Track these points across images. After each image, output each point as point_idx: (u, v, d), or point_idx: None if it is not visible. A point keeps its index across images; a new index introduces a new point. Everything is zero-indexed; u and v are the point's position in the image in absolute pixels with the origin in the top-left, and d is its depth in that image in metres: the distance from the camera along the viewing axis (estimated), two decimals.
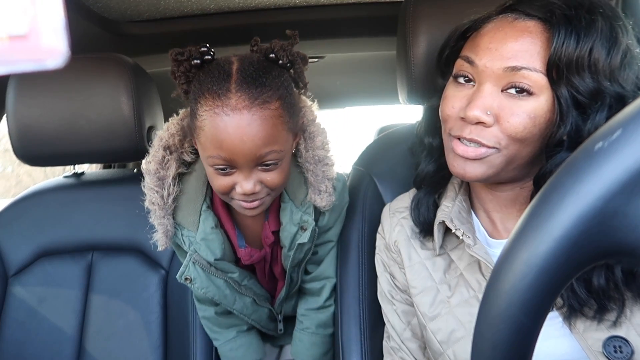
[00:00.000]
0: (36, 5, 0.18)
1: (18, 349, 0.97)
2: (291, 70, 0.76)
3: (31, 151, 0.96)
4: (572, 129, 0.54)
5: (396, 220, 0.76)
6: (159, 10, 1.17)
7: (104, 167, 1.71)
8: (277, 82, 0.70)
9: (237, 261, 0.88)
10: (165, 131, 0.80)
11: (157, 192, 0.78)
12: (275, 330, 1.03)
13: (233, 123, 0.67)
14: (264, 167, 0.71)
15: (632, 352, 0.54)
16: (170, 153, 0.79)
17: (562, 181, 0.25)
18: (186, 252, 0.82)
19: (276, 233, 0.85)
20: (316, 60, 1.57)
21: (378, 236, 0.80)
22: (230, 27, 1.25)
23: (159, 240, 0.79)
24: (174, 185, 0.79)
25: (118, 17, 1.20)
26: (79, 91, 0.94)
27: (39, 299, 0.99)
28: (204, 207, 0.80)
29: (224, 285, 0.85)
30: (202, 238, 0.80)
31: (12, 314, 0.98)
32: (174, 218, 0.81)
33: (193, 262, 0.81)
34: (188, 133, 0.76)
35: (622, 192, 0.23)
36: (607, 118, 0.53)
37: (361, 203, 0.86)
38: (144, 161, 0.80)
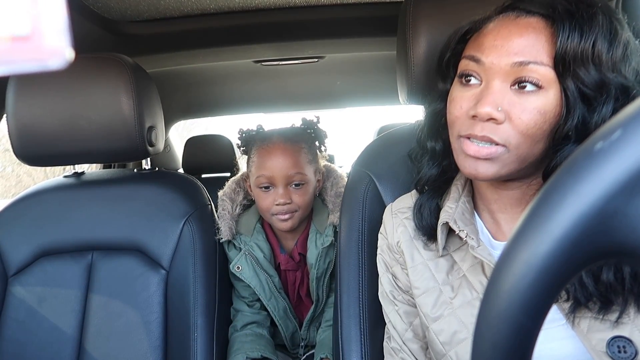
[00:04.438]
0: (39, 6, 0.18)
1: (18, 349, 0.97)
2: (314, 135, 1.17)
3: (31, 151, 0.96)
4: (579, 121, 0.54)
5: (399, 221, 0.76)
6: (159, 10, 1.17)
7: (104, 167, 1.72)
8: (303, 136, 1.13)
9: (277, 268, 1.15)
10: (232, 181, 1.19)
11: (230, 205, 1.13)
12: (296, 349, 1.21)
13: (273, 152, 1.06)
14: (294, 188, 1.07)
15: (636, 353, 0.54)
16: (240, 187, 1.17)
17: (562, 181, 0.25)
18: (237, 250, 1.11)
19: (303, 257, 1.14)
20: (316, 60, 1.57)
21: (380, 236, 0.80)
22: (230, 27, 1.26)
23: (223, 233, 1.09)
24: (240, 206, 1.15)
25: (118, 17, 1.20)
26: (79, 91, 0.94)
27: (39, 298, 0.99)
28: (258, 226, 1.14)
29: (265, 281, 1.11)
30: (254, 241, 1.12)
31: (12, 314, 0.98)
32: (236, 225, 1.13)
33: (245, 255, 1.10)
34: (245, 179, 1.16)
35: (622, 192, 0.23)
36: (614, 110, 0.53)
37: (361, 203, 0.86)
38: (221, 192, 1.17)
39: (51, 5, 0.18)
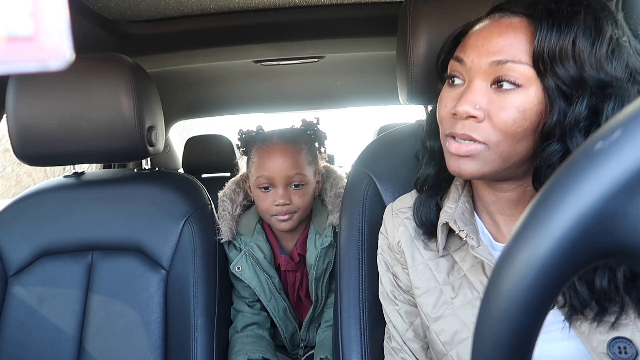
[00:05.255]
0: (41, 7, 0.18)
1: (18, 349, 0.97)
2: (313, 137, 1.17)
3: (31, 151, 0.96)
4: (560, 119, 0.54)
5: (399, 221, 0.76)
6: (159, 10, 1.17)
7: (104, 167, 1.72)
8: (303, 137, 1.13)
9: (277, 269, 1.15)
10: (232, 182, 1.19)
11: (230, 205, 1.13)
12: (296, 349, 1.21)
13: (273, 153, 1.06)
14: (293, 188, 1.07)
15: (637, 353, 0.54)
16: (240, 188, 1.17)
17: (562, 181, 0.25)
18: (237, 251, 1.11)
19: (302, 257, 1.14)
20: (316, 60, 1.57)
21: (380, 236, 0.80)
22: (230, 27, 1.26)
23: (224, 233, 1.08)
24: (240, 206, 1.15)
25: (118, 17, 1.20)
26: (79, 91, 0.94)
27: (39, 299, 0.99)
28: (258, 226, 1.14)
29: (265, 282, 1.11)
30: (254, 242, 1.12)
31: (12, 314, 0.98)
32: (236, 225, 1.12)
33: (245, 255, 1.10)
34: (244, 179, 1.17)
35: (622, 193, 0.23)
36: (589, 107, 0.53)
37: (361, 203, 0.86)
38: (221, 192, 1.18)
39: (53, 6, 0.18)
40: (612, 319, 0.55)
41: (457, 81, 0.61)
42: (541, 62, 0.54)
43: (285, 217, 1.07)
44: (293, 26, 1.29)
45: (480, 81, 0.57)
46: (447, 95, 0.62)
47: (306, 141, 1.12)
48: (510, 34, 0.56)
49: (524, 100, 0.55)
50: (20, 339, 0.97)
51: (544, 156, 0.55)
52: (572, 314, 0.56)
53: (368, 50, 1.53)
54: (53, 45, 0.18)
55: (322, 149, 1.18)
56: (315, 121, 1.18)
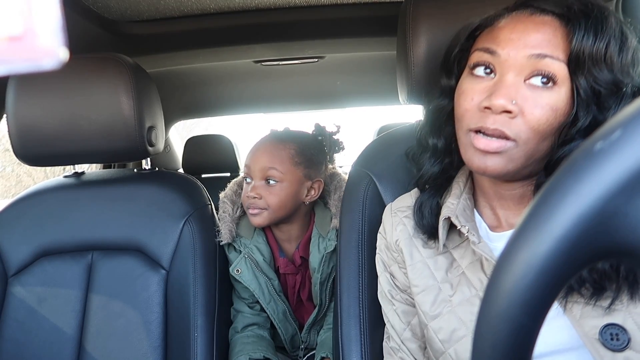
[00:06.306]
0: (32, 6, 0.18)
1: (18, 349, 0.97)
2: (326, 145, 1.16)
3: (31, 151, 0.96)
4: (592, 120, 0.54)
5: (398, 220, 0.76)
6: (159, 10, 1.17)
7: (104, 167, 1.72)
8: (302, 140, 1.10)
9: (277, 271, 1.14)
10: (233, 183, 1.19)
11: (231, 207, 1.12)
12: (296, 351, 1.21)
13: (258, 146, 1.08)
14: (267, 184, 1.05)
15: (629, 340, 0.54)
16: (241, 188, 1.15)
17: (562, 181, 0.25)
18: (237, 253, 1.10)
19: (305, 260, 1.13)
20: (316, 60, 1.57)
21: (379, 236, 0.80)
22: (230, 27, 1.26)
23: (223, 235, 1.07)
24: (241, 208, 1.13)
25: (118, 17, 1.20)
26: (79, 91, 0.94)
27: (39, 299, 0.99)
28: (258, 229, 1.13)
29: (264, 284, 1.10)
30: (254, 244, 1.11)
31: (12, 314, 0.98)
32: (236, 227, 1.11)
33: (245, 257, 1.09)
34: None
35: (622, 192, 0.23)
36: None
37: (361, 203, 0.86)
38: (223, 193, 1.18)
39: (44, 4, 0.18)
40: (606, 303, 0.55)
41: (483, 73, 0.59)
42: (576, 62, 0.54)
43: (255, 211, 1.06)
44: (293, 26, 1.29)
45: (514, 75, 0.56)
46: (473, 88, 0.59)
47: (302, 144, 1.09)
48: (547, 30, 0.55)
49: (557, 98, 0.55)
50: (20, 338, 0.97)
51: (566, 151, 0.55)
52: (568, 292, 0.56)
53: (368, 50, 1.53)
54: (45, 45, 0.18)
55: (333, 158, 1.17)
56: (334, 129, 1.17)
